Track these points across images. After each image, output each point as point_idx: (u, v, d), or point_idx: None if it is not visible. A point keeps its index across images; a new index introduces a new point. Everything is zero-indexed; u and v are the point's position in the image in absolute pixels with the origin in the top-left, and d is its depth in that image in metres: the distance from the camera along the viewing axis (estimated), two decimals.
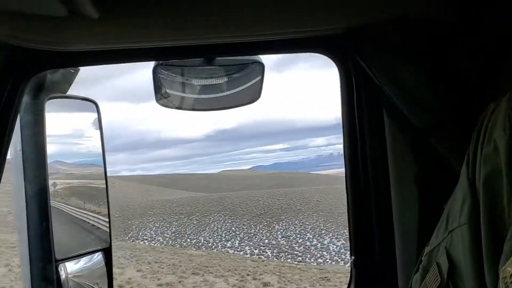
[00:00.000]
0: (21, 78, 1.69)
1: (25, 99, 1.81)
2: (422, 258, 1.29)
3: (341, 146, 1.88)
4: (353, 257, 1.86)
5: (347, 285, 1.92)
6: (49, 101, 1.89)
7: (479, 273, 1.01)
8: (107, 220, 2.09)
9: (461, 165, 1.14)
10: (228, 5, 1.52)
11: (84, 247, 2.04)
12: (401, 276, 1.73)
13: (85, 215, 2.08)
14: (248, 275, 36.59)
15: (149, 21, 1.53)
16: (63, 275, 1.86)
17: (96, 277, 2.04)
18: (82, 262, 1.98)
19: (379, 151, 1.78)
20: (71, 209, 2.00)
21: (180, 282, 34.46)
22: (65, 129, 2.09)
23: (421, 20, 1.58)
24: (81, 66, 1.90)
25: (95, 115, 2.06)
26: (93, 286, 2.05)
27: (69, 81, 2.02)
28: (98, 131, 2.07)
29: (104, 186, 2.10)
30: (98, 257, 2.02)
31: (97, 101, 2.01)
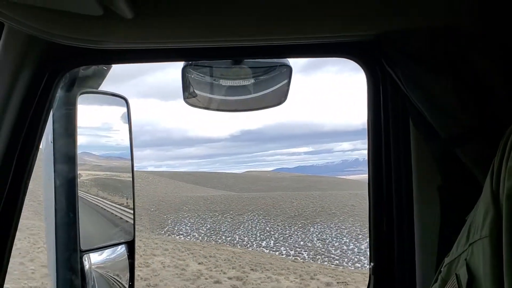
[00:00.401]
0: (56, 73, 1.76)
1: (59, 93, 1.87)
2: (442, 269, 1.27)
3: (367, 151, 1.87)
4: (372, 264, 1.85)
5: None
6: (81, 95, 1.95)
7: (498, 287, 0.98)
8: (132, 213, 2.14)
9: (485, 177, 1.11)
10: (258, 8, 1.54)
11: (108, 239, 2.09)
12: (419, 285, 1.72)
13: (109, 207, 2.13)
14: (304, 274, 36.72)
15: (181, 22, 1.57)
16: (87, 266, 1.91)
17: (119, 269, 2.09)
18: (106, 254, 2.03)
19: (403, 158, 1.76)
20: (95, 199, 2.05)
21: (247, 276, 34.91)
22: (94, 122, 2.14)
23: (447, 28, 1.56)
24: (113, 63, 1.96)
25: (124, 110, 2.11)
26: (115, 278, 2.10)
27: (101, 77, 2.08)
28: (126, 126, 2.13)
29: (130, 179, 2.15)
30: (121, 249, 2.07)
31: (126, 97, 2.07)
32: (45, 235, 1.94)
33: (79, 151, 1.92)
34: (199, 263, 37.19)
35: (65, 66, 1.79)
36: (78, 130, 1.92)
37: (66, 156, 1.90)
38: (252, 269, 37.13)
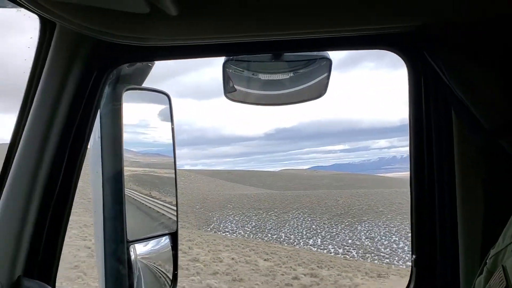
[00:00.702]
0: (104, 70, 1.84)
1: (106, 90, 1.95)
2: (487, 261, 1.25)
3: (405, 149, 1.84)
4: (414, 256, 1.83)
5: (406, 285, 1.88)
6: (126, 92, 2.01)
7: None
8: (175, 207, 2.20)
9: None
10: (299, 2, 1.56)
11: (153, 231, 2.15)
12: (463, 277, 1.69)
13: (149, 201, 2.19)
14: (370, 272, 36.45)
15: (223, 18, 1.61)
16: (132, 256, 1.98)
17: (162, 259, 2.16)
18: (150, 245, 2.09)
19: (445, 150, 1.74)
20: (135, 194, 2.11)
21: (318, 273, 35.03)
22: (139, 119, 2.21)
23: (491, 19, 1.52)
24: (157, 60, 2.01)
25: (162, 107, 2.17)
26: (159, 268, 2.16)
27: (145, 74, 2.14)
28: (164, 122, 2.18)
29: (170, 175, 2.21)
30: (165, 241, 2.13)
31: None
32: (94, 227, 2.01)
33: (125, 146, 1.99)
34: (264, 260, 37.47)
35: (112, 63, 1.86)
36: (124, 126, 1.98)
37: (113, 152, 1.97)
38: (318, 267, 37.06)
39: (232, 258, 36.84)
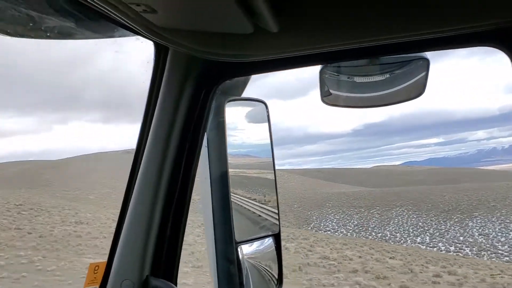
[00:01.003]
0: (211, 86, 2.01)
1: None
2: None
3: (507, 139, 1.75)
4: None
5: None
6: (228, 103, 2.16)
7: None
8: (276, 209, 2.30)
9: None
10: (393, 5, 1.57)
11: (257, 232, 2.27)
12: None
13: (251, 204, 2.30)
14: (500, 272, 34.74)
15: (321, 29, 1.68)
16: (240, 256, 2.11)
17: (267, 259, 2.27)
18: (255, 246, 2.21)
19: None
20: (239, 197, 2.24)
21: (452, 271, 34.32)
22: (235, 127, 2.33)
23: None
24: (259, 73, 2.12)
25: (259, 114, 2.28)
26: (265, 268, 2.27)
27: (244, 85, 2.28)
28: (262, 128, 2.30)
29: (270, 177, 2.31)
30: (268, 242, 2.24)
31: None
32: (204, 229, 2.17)
33: (233, 152, 2.13)
34: (390, 258, 36.93)
35: (219, 79, 2.02)
36: (227, 134, 2.12)
37: (219, 159, 2.11)
38: (450, 264, 35.75)
39: (359, 256, 36.48)
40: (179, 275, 2.03)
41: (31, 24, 1.59)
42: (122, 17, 1.46)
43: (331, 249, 38.62)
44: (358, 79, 2.03)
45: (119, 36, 1.77)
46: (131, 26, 1.55)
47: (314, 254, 35.34)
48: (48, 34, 1.69)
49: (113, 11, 1.41)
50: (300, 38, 1.72)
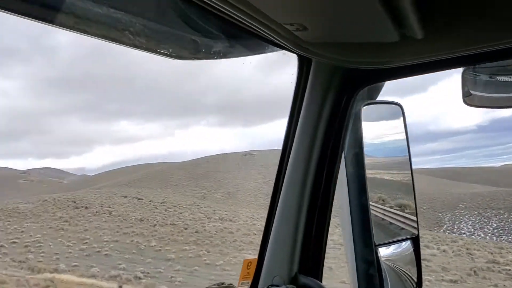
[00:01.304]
0: (353, 92, 2.09)
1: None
2: None
3: None
4: None
5: None
6: (364, 107, 2.19)
7: None
8: (414, 211, 2.28)
9: None
10: None
11: (395, 235, 2.28)
12: None
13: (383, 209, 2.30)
14: None
15: (466, 32, 1.68)
16: (379, 258, 2.13)
17: (405, 262, 2.26)
18: (392, 248, 2.22)
19: None
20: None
21: None
22: (371, 130, 2.35)
23: None
24: (400, 78, 2.14)
25: (395, 116, 2.28)
26: (404, 271, 2.27)
27: (379, 89, 2.30)
28: (397, 130, 2.29)
29: (406, 180, 2.30)
30: (405, 245, 2.24)
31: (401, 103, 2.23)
32: (342, 232, 2.23)
33: (370, 154, 2.17)
34: None
35: (360, 85, 2.09)
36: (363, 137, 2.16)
37: (356, 162, 2.16)
38: None
39: None
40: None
41: (197, 48, 1.81)
42: (273, 35, 1.59)
43: (489, 252, 35.98)
44: (502, 78, 1.95)
45: (268, 52, 1.92)
46: (279, 43, 1.68)
47: (478, 258, 33.28)
48: (213, 56, 1.88)
49: (266, 31, 1.55)
50: (444, 42, 1.72)
